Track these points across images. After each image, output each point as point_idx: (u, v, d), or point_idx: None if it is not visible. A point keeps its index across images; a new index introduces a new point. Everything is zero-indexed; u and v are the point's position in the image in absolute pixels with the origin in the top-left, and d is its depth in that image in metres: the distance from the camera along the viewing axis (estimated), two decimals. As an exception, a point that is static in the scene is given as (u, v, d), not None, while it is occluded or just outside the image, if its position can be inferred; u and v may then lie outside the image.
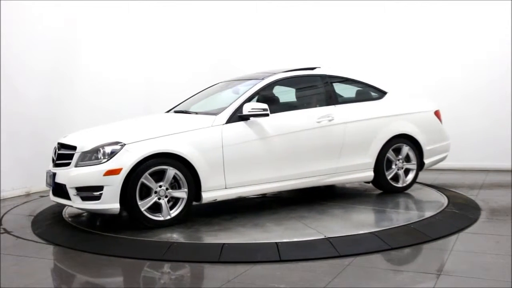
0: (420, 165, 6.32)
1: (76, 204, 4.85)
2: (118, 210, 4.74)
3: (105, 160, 4.76)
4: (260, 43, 9.63)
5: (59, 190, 5.00)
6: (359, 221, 5.06)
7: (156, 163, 4.83)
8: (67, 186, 4.85)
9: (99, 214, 5.50)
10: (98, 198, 4.71)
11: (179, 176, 4.91)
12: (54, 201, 5.24)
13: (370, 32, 8.97)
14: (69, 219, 5.48)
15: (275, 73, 5.87)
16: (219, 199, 5.19)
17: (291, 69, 6.02)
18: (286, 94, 6.04)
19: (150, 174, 4.82)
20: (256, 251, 4.24)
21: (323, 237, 4.43)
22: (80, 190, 4.79)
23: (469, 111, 8.13)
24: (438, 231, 4.71)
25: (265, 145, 5.33)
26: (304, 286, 3.57)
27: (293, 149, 5.48)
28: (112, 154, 4.76)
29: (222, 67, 9.33)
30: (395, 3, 8.77)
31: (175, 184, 4.96)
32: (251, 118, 5.29)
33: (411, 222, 4.90)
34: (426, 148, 6.30)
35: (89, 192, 4.75)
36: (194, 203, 5.13)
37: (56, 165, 5.16)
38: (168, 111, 6.21)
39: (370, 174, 5.98)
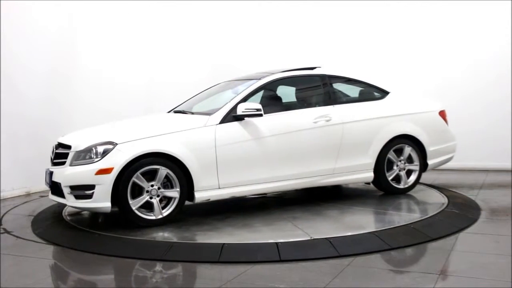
0: (424, 166, 6.22)
1: (69, 202, 4.94)
2: (110, 209, 4.80)
3: (97, 159, 4.82)
4: (260, 43, 9.63)
5: (56, 188, 5.07)
6: (351, 223, 4.99)
7: (148, 162, 4.87)
8: (62, 185, 4.93)
9: (99, 214, 5.52)
10: (90, 196, 4.77)
11: (171, 175, 4.94)
12: (52, 199, 5.30)
13: (370, 32, 8.97)
14: (69, 219, 5.48)
15: (273, 73, 5.85)
16: (212, 199, 5.20)
17: (291, 69, 6.00)
18: (284, 94, 6.01)
19: (143, 174, 4.87)
20: (256, 251, 4.24)
21: (309, 238, 4.41)
22: (73, 188, 4.87)
23: (469, 111, 8.12)
24: (438, 231, 4.71)
25: (260, 145, 5.32)
26: (304, 286, 3.57)
27: (288, 150, 5.45)
28: (104, 153, 4.82)
29: (222, 67, 9.33)
30: (395, 3, 8.76)
31: (167, 183, 4.99)
32: (246, 119, 5.29)
33: (408, 223, 4.87)
34: (429, 149, 6.18)
35: (82, 190, 4.82)
36: (189, 203, 5.16)
37: (54, 164, 5.23)
38: (169, 111, 6.22)
39: (369, 175, 5.91)
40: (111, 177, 4.73)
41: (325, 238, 4.41)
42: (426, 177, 6.36)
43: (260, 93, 5.74)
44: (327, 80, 5.94)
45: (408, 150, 6.06)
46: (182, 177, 4.98)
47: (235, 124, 5.27)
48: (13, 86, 7.06)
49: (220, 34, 9.83)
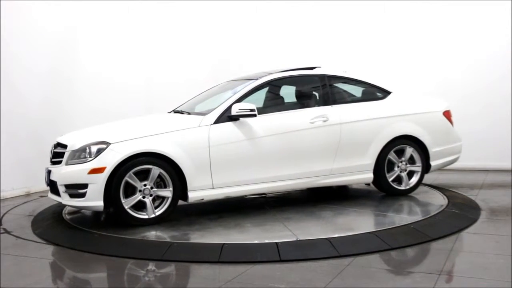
0: (426, 168, 6.12)
1: (64, 200, 5.02)
2: (102, 207, 4.85)
3: (91, 159, 4.88)
4: (260, 43, 9.63)
5: (54, 187, 5.14)
6: (342, 224, 4.92)
7: (140, 162, 4.90)
8: (58, 183, 5.01)
9: (99, 214, 5.53)
10: (83, 195, 4.84)
11: (164, 175, 4.98)
12: (51, 198, 5.35)
13: (370, 32, 8.97)
14: (69, 219, 5.48)
15: (271, 73, 5.84)
16: (206, 198, 5.22)
17: (290, 69, 5.97)
18: (281, 94, 5.99)
19: (136, 173, 4.91)
20: (256, 251, 4.24)
21: (296, 239, 4.41)
22: (68, 187, 4.95)
23: (469, 111, 8.12)
24: (438, 231, 4.71)
25: (254, 145, 5.31)
26: (304, 286, 3.57)
27: (284, 150, 5.42)
28: (98, 153, 4.88)
29: (222, 67, 9.34)
30: (395, 4, 8.77)
31: (161, 183, 5.03)
32: (241, 119, 5.29)
33: (408, 223, 4.86)
34: (432, 150, 6.08)
35: (75, 189, 4.90)
36: (184, 202, 5.18)
37: (52, 163, 5.29)
38: (170, 112, 6.22)
39: (369, 176, 5.84)
40: (103, 177, 4.78)
41: (312, 238, 4.42)
42: (426, 177, 6.33)
43: (258, 93, 5.70)
44: (326, 80, 5.90)
45: (409, 151, 5.98)
46: (175, 176, 5.01)
47: (230, 124, 5.27)
48: (13, 86, 7.06)
49: (220, 34, 9.83)
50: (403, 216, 5.21)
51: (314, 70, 6.06)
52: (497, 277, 3.66)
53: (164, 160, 4.97)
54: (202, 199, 5.21)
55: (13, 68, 7.06)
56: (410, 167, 6.04)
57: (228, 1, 9.70)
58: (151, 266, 4.11)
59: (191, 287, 3.72)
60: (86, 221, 5.40)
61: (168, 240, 4.56)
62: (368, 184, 6.13)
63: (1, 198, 6.79)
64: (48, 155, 5.49)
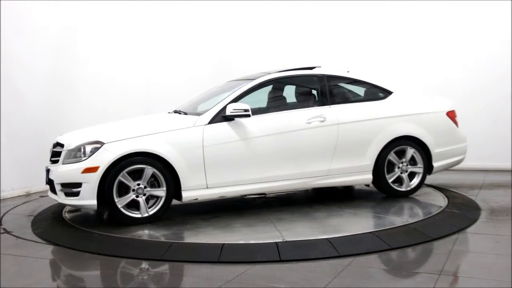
0: (429, 169, 6.04)
1: (60, 199, 5.11)
2: (96, 206, 4.92)
3: (85, 158, 4.95)
4: (260, 43, 9.62)
5: (52, 186, 5.21)
6: (333, 226, 4.85)
7: (134, 162, 4.95)
8: (54, 182, 5.09)
9: (100, 214, 5.53)
10: (77, 194, 4.92)
11: (157, 175, 5.02)
12: (50, 197, 5.39)
13: (370, 33, 8.96)
14: (69, 219, 5.48)
15: (269, 73, 5.82)
16: (200, 198, 5.25)
17: (288, 69, 5.95)
18: (279, 95, 5.97)
19: (131, 173, 4.95)
20: (256, 251, 4.24)
21: (281, 240, 4.39)
22: (63, 186, 5.04)
23: (469, 111, 8.10)
24: (438, 231, 4.71)
25: (249, 146, 5.31)
26: (304, 286, 3.57)
27: (279, 150, 5.41)
28: (92, 152, 4.94)
29: (222, 68, 9.33)
30: (395, 3, 8.76)
31: (155, 182, 5.06)
32: (236, 119, 5.29)
33: (407, 223, 4.85)
34: (435, 150, 5.99)
35: (70, 188, 4.98)
36: (180, 202, 5.21)
37: (52, 162, 5.34)
38: (170, 112, 6.22)
39: (368, 177, 5.77)
40: (96, 176, 4.85)
41: (300, 239, 4.42)
42: (427, 177, 6.29)
43: (256, 94, 5.67)
44: (325, 80, 5.85)
45: (410, 152, 5.90)
46: (168, 176, 5.04)
47: (224, 124, 5.28)
48: (13, 86, 7.06)
49: (220, 34, 9.82)
50: (397, 218, 5.13)
51: (313, 70, 6.02)
52: (497, 277, 3.66)
53: (158, 160, 5.01)
54: (196, 199, 5.24)
55: (13, 68, 7.06)
56: (411, 168, 5.96)
57: (228, 1, 9.70)
58: (151, 266, 4.11)
59: (191, 287, 3.72)
60: (86, 221, 5.40)
61: (170, 240, 4.56)
62: (368, 185, 6.11)
63: (1, 198, 6.79)
64: (48, 155, 5.52)
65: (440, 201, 5.82)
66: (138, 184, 4.98)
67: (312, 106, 5.73)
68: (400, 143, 5.88)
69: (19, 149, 7.14)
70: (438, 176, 7.41)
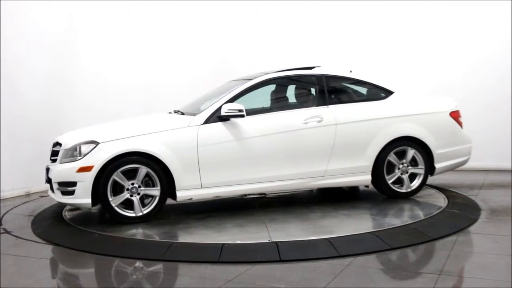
0: (431, 170, 5.96)
1: (57, 198, 5.20)
2: (90, 205, 4.98)
3: (80, 157, 5.03)
4: (260, 43, 9.62)
5: (51, 184, 5.27)
6: (325, 227, 4.83)
7: (128, 161, 5.00)
8: (52, 181, 5.17)
9: (100, 213, 5.53)
10: (72, 193, 5.00)
11: (152, 174, 5.05)
12: (51, 196, 5.43)
13: (370, 33, 8.96)
14: (69, 219, 5.48)
15: (267, 73, 5.80)
16: (195, 198, 5.28)
17: (287, 69, 5.92)
18: (277, 95, 5.96)
19: (126, 172, 5.01)
20: (256, 251, 4.24)
21: (267, 241, 4.39)
22: (60, 185, 5.12)
23: (469, 111, 8.07)
24: (438, 231, 4.70)
25: (244, 146, 5.31)
26: (304, 286, 3.57)
27: (275, 151, 5.39)
28: (87, 152, 5.00)
29: (222, 68, 9.33)
30: (395, 3, 8.76)
31: (150, 182, 5.11)
32: (232, 119, 5.30)
33: (405, 223, 4.83)
34: (437, 151, 5.90)
35: (65, 187, 5.05)
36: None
37: (52, 161, 5.40)
38: (170, 112, 6.21)
39: (366, 178, 5.71)
40: (91, 175, 4.93)
41: (291, 240, 4.42)
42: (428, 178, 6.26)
43: (253, 94, 5.65)
44: (324, 80, 5.81)
45: (411, 152, 5.81)
46: (162, 176, 5.08)
47: (219, 124, 5.29)
48: (13, 87, 7.06)
49: (219, 35, 9.82)
50: (392, 220, 5.05)
51: (312, 70, 5.98)
52: (497, 277, 3.66)
53: (152, 159, 5.04)
54: (191, 199, 5.27)
55: (13, 69, 7.06)
56: (412, 169, 5.87)
57: (228, 1, 9.70)
58: (151, 266, 4.11)
59: (191, 287, 3.72)
60: (86, 221, 5.40)
61: (170, 240, 4.56)
62: (367, 187, 6.07)
63: (1, 198, 6.79)
64: (48, 155, 5.54)
65: (440, 201, 5.81)
66: (133, 184, 5.03)
67: (310, 106, 5.71)
68: (401, 144, 5.81)
69: (19, 149, 7.14)
70: (438, 176, 7.39)
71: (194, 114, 5.41)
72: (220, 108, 5.30)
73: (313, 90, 5.91)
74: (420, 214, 5.26)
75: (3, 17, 6.92)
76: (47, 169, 5.36)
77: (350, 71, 6.11)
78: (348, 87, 6.07)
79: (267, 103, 5.87)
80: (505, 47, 8.08)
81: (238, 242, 4.41)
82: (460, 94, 8.18)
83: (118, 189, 5.03)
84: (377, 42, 8.91)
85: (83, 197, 4.96)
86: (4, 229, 5.31)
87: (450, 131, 6.08)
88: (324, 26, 9.23)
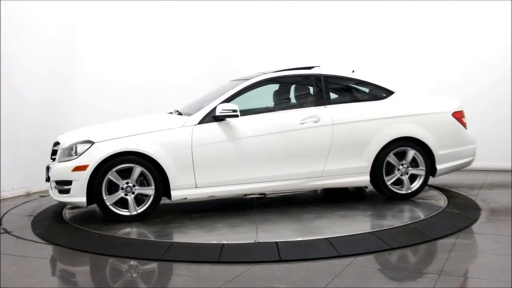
0: (432, 171, 5.86)
1: (54, 196, 5.27)
2: (85, 203, 5.04)
3: (75, 156, 5.10)
4: (260, 43, 9.62)
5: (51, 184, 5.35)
6: (316, 228, 4.80)
7: (122, 161, 5.06)
8: (50, 179, 5.25)
9: (99, 213, 5.53)
10: (68, 191, 5.08)
11: (146, 174, 5.10)
12: (50, 194, 5.47)
13: (370, 33, 8.96)
14: (69, 218, 5.48)
15: (265, 73, 5.79)
16: (189, 197, 5.30)
17: (285, 69, 5.90)
18: (274, 95, 5.94)
19: (121, 171, 5.06)
20: (256, 251, 4.24)
21: (253, 241, 4.39)
22: (57, 183, 5.21)
23: (469, 111, 8.06)
24: (438, 231, 4.70)
25: (239, 146, 5.31)
26: (304, 286, 3.57)
27: (271, 151, 5.37)
28: (82, 151, 5.07)
29: (222, 68, 9.33)
30: (396, 4, 8.76)
31: (144, 181, 5.15)
32: (227, 119, 5.30)
33: (404, 224, 4.82)
34: (438, 152, 5.80)
35: (61, 185, 5.13)
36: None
37: (52, 160, 5.45)
38: (170, 112, 6.21)
39: (365, 179, 5.65)
40: (86, 174, 4.99)
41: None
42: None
43: (251, 93, 5.63)
44: (322, 80, 5.75)
45: (411, 153, 5.71)
46: (157, 175, 5.11)
47: (214, 124, 5.30)
48: (13, 87, 7.06)
49: (219, 35, 9.82)
50: (383, 221, 4.99)
51: (311, 70, 5.94)
52: (497, 277, 3.66)
53: (147, 159, 5.08)
54: (186, 198, 5.30)
55: (13, 69, 7.06)
56: (412, 170, 5.78)
57: (228, 1, 9.70)
58: (151, 266, 4.11)
59: (192, 287, 3.72)
60: (86, 221, 5.39)
61: (170, 240, 4.56)
62: (366, 187, 6.04)
63: (1, 198, 6.79)
64: (49, 155, 5.57)
65: (440, 201, 5.80)
66: (127, 183, 5.07)
67: (308, 106, 5.68)
68: (401, 145, 5.73)
69: (19, 149, 7.14)
70: (438, 176, 7.41)
71: (190, 115, 5.42)
72: (215, 108, 5.31)
73: (311, 90, 5.89)
74: (420, 214, 5.25)
75: (3, 17, 6.92)
76: (47, 168, 5.41)
77: (353, 71, 6.06)
78: (347, 87, 6.03)
79: (264, 103, 5.87)
80: (505, 47, 8.07)
81: (225, 242, 4.38)
82: (460, 94, 8.17)
83: (113, 188, 5.08)
84: (377, 42, 8.91)
85: (78, 196, 5.02)
86: (4, 229, 5.31)
87: (452, 132, 5.99)
88: (325, 26, 9.23)
